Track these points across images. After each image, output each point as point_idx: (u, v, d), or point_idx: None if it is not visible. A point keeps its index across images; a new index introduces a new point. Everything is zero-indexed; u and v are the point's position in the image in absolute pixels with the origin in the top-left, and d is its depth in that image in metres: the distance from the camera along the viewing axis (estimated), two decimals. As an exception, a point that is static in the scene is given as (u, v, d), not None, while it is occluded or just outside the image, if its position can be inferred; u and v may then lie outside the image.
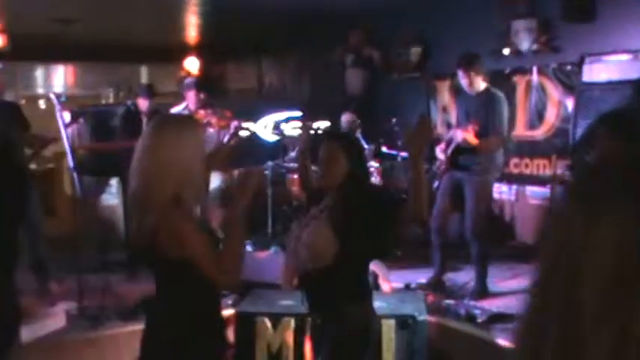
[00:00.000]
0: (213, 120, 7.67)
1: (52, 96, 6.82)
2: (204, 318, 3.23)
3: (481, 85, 6.93)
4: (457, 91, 9.12)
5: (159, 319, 3.28)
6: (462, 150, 6.93)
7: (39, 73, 14.58)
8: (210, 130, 7.91)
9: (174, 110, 7.97)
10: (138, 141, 3.20)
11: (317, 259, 3.79)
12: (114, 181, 9.14)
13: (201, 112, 7.78)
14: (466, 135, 6.74)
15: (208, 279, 3.05)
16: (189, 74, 12.88)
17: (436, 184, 7.27)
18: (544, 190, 8.54)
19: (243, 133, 8.45)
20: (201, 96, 8.00)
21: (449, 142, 7.13)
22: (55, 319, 6.37)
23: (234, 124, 7.88)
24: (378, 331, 5.15)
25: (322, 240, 3.76)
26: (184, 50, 13.27)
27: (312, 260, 3.82)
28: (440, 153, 7.24)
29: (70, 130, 7.29)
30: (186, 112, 7.90)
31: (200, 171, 3.20)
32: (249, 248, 8.34)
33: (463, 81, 6.97)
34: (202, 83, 8.27)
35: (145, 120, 8.27)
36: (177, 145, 3.08)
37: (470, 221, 7.00)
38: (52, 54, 12.62)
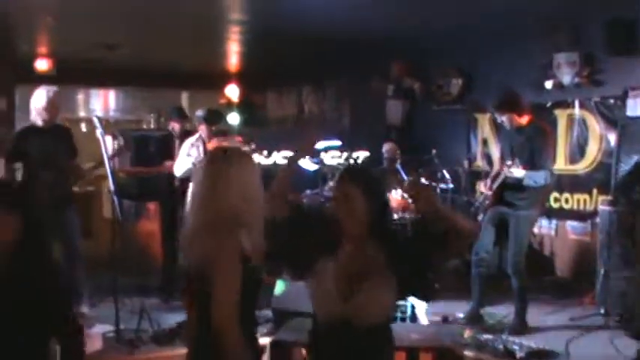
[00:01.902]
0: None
1: (95, 119, 6.87)
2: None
3: (523, 119, 6.89)
4: (499, 124, 9.10)
5: (197, 344, 3.29)
6: (507, 185, 6.87)
7: (81, 96, 14.75)
8: None
9: (188, 142, 8.01)
10: (196, 172, 3.29)
11: (370, 319, 3.46)
12: (152, 206, 9.19)
13: (214, 140, 7.84)
14: (513, 170, 6.67)
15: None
16: (229, 101, 12.99)
17: (480, 217, 7.21)
18: (584, 225, 8.44)
19: (282, 161, 8.43)
20: (213, 128, 8.06)
21: (494, 177, 7.06)
22: (92, 342, 6.36)
23: (246, 148, 7.91)
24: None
25: (380, 306, 3.46)
26: (225, 77, 13.36)
27: (363, 321, 3.44)
28: (484, 188, 7.19)
29: (111, 153, 7.34)
30: (199, 142, 7.95)
31: (261, 201, 3.34)
32: (285, 277, 8.33)
33: (502, 120, 6.95)
34: (214, 116, 8.28)
35: (177, 142, 8.32)
36: (242, 176, 3.29)
37: (512, 256, 6.94)
38: (94, 78, 12.76)
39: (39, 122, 7.14)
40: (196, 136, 8.07)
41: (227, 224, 3.20)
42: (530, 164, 6.69)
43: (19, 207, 3.39)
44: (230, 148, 3.86)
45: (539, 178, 6.75)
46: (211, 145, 7.62)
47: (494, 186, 7.00)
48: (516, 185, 6.78)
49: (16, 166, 7.23)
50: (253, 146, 7.92)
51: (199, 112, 8.16)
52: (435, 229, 3.42)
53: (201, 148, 7.88)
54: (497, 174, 7.02)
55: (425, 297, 4.02)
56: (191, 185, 7.15)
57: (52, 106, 7.13)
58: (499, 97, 7.14)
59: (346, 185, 3.47)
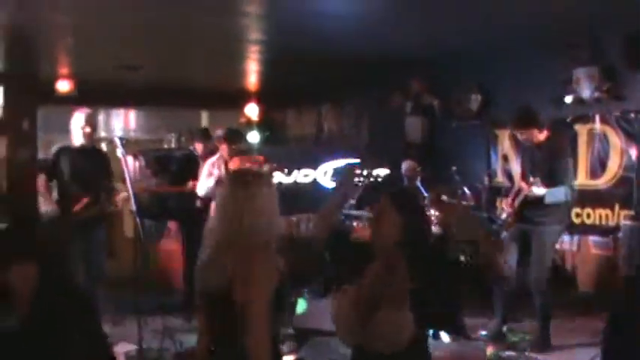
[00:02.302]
0: (247, 166, 7.75)
1: (116, 139, 6.92)
2: None
3: (542, 135, 6.89)
4: (519, 140, 9.07)
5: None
6: (529, 202, 6.85)
7: (101, 116, 14.84)
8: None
9: (209, 162, 8.05)
10: (220, 191, 3.52)
11: (386, 348, 3.49)
12: (173, 225, 9.22)
13: (235, 159, 7.85)
14: (534, 189, 6.65)
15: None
16: (249, 120, 13.03)
17: (503, 235, 7.19)
18: (606, 240, 8.39)
19: (302, 180, 8.46)
20: (233, 147, 8.09)
21: (516, 195, 7.04)
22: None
23: (266, 168, 7.93)
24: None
25: (396, 336, 3.48)
26: (245, 96, 13.42)
27: (379, 348, 3.50)
28: (505, 205, 7.17)
29: (132, 173, 7.39)
30: (220, 161, 7.98)
31: (279, 223, 3.44)
32: (306, 296, 8.33)
33: (522, 137, 6.94)
34: (234, 136, 8.32)
35: (201, 163, 8.37)
36: (266, 197, 3.38)
37: (535, 273, 6.91)
38: (115, 98, 12.86)
39: (77, 143, 7.24)
40: (217, 155, 8.11)
41: (256, 245, 3.27)
42: (550, 180, 6.67)
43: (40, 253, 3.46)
44: (250, 172, 3.93)
45: (559, 194, 6.74)
46: (233, 164, 7.65)
47: (516, 203, 6.98)
48: (538, 202, 6.76)
49: (51, 184, 7.34)
50: (274, 165, 7.93)
51: (219, 132, 8.21)
52: (454, 255, 3.45)
53: (222, 168, 7.91)
54: (519, 191, 7.00)
55: (453, 331, 4.02)
56: (212, 205, 7.20)
57: (89, 128, 7.23)
58: (517, 113, 7.15)
59: (383, 206, 3.59)
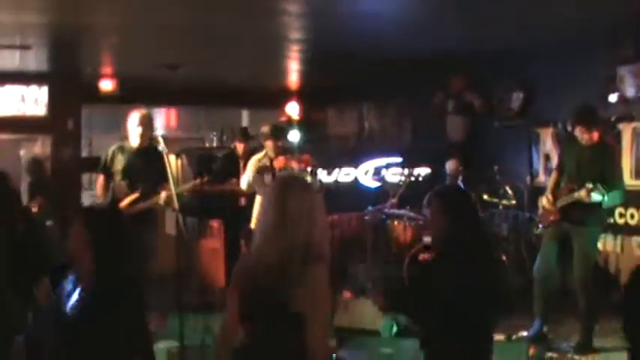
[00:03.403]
0: (293, 164, 7.73)
1: (160, 138, 6.98)
2: None
3: (596, 135, 6.81)
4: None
5: None
6: (576, 202, 6.77)
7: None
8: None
9: (255, 158, 8.05)
10: (265, 195, 3.52)
11: None
12: (215, 223, 9.28)
13: (281, 157, 7.85)
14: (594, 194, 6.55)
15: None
16: (290, 119, 13.06)
17: (539, 228, 7.12)
18: (651, 241, 8.29)
19: (343, 179, 8.44)
20: (279, 143, 8.08)
21: (564, 194, 6.95)
22: (156, 357, 6.44)
23: (312, 166, 7.91)
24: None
25: None
26: (285, 95, 13.46)
27: None
28: (547, 203, 7.09)
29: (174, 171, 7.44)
30: (266, 159, 7.96)
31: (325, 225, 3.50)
32: (347, 294, 8.34)
33: (584, 136, 6.81)
34: (279, 132, 8.33)
35: (241, 162, 8.40)
36: (305, 200, 3.38)
37: (579, 273, 6.85)
38: (157, 97, 12.97)
39: (133, 143, 7.33)
40: (262, 154, 8.12)
41: (311, 254, 3.28)
42: (600, 182, 6.57)
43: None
44: (296, 177, 3.99)
45: (617, 199, 6.69)
46: (279, 162, 7.65)
47: (564, 203, 6.87)
48: (583, 203, 6.69)
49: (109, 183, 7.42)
50: (319, 164, 7.92)
51: (265, 128, 8.20)
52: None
53: (268, 165, 7.89)
54: (569, 190, 6.85)
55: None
56: (257, 203, 7.24)
57: (144, 127, 7.30)
58: (579, 109, 7.04)
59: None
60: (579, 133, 6.85)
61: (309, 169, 7.58)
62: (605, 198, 6.66)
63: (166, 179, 7.07)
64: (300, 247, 3.25)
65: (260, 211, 3.46)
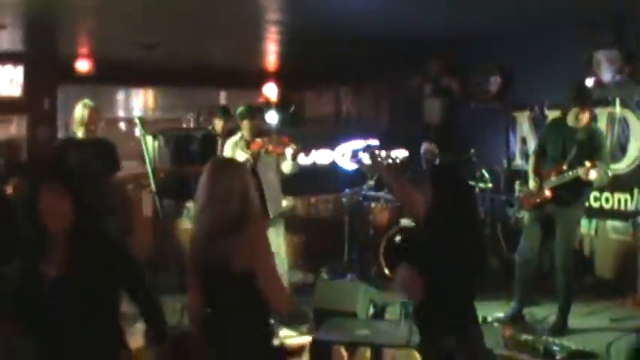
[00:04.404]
0: (270, 147, 7.69)
1: (136, 119, 6.96)
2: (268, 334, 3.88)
3: (587, 117, 6.84)
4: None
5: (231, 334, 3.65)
6: (560, 184, 6.81)
7: (120, 96, 14.89)
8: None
9: (231, 141, 7.98)
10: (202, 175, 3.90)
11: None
12: (191, 204, 9.25)
13: (258, 139, 7.78)
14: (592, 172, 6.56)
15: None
16: (267, 100, 13.02)
17: (520, 215, 7.16)
18: (625, 225, 8.36)
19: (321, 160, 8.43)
20: (255, 122, 8.02)
21: (547, 175, 6.98)
22: (134, 339, 6.43)
23: (290, 149, 7.84)
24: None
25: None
26: (263, 76, 13.42)
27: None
28: (534, 185, 7.09)
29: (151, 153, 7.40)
30: (242, 142, 7.88)
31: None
32: (325, 276, 8.36)
33: (583, 116, 6.80)
34: (255, 112, 8.29)
35: (220, 141, 8.35)
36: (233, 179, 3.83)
37: (561, 254, 6.90)
38: (133, 78, 12.88)
39: (79, 135, 7.26)
40: (238, 136, 8.06)
41: (250, 221, 3.73)
42: (592, 162, 6.57)
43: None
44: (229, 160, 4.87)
45: (606, 177, 6.72)
46: (255, 145, 7.59)
47: (555, 185, 6.88)
48: (571, 184, 6.73)
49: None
50: (299, 146, 7.86)
51: (240, 108, 8.14)
52: None
53: (245, 147, 7.82)
54: (559, 172, 6.89)
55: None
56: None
57: (90, 122, 7.23)
58: (577, 89, 7.05)
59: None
60: (575, 113, 6.80)
61: (289, 152, 7.52)
62: (610, 174, 6.71)
63: (118, 169, 7.06)
64: (231, 219, 3.68)
65: (198, 190, 3.85)
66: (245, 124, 7.88)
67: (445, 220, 3.99)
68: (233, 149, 7.86)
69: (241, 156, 7.62)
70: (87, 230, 3.84)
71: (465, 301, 4.15)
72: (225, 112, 8.61)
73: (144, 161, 6.94)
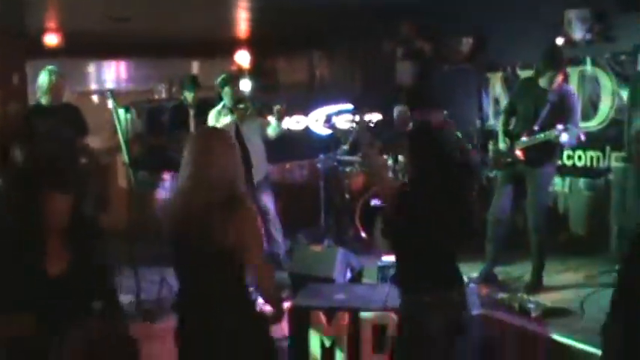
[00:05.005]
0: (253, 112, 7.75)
1: (107, 93, 6.91)
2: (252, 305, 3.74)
3: (560, 79, 6.86)
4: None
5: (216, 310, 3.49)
6: (534, 145, 6.84)
7: (91, 68, 14.75)
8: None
9: (215, 110, 8.00)
10: (188, 145, 3.74)
11: None
12: (167, 176, 9.24)
13: (240, 106, 7.81)
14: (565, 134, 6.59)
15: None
16: (240, 68, 12.96)
17: (492, 174, 7.19)
18: (598, 182, 8.44)
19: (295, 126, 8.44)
20: (237, 89, 8.04)
21: (518, 135, 7.01)
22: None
23: (276, 111, 7.90)
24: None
25: None
26: (235, 44, 13.32)
27: None
28: (502, 144, 7.11)
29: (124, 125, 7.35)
30: (225, 110, 7.92)
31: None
32: (301, 242, 8.40)
33: (558, 78, 6.82)
34: (237, 78, 8.31)
35: (191, 112, 8.34)
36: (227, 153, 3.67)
37: (533, 213, 6.97)
38: (104, 50, 12.76)
39: (44, 103, 7.20)
40: (220, 105, 8.06)
41: (238, 198, 3.57)
42: (564, 124, 6.61)
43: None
44: (218, 131, 4.37)
45: (581, 137, 6.76)
46: (238, 111, 7.66)
47: (527, 145, 6.91)
48: (542, 144, 6.77)
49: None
50: (282, 107, 7.91)
51: (221, 77, 8.14)
52: None
53: (229, 116, 7.83)
54: (530, 133, 6.89)
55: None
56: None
57: (55, 88, 7.17)
58: (549, 54, 7.06)
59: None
60: (549, 77, 6.82)
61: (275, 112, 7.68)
62: (582, 137, 6.76)
63: (86, 134, 7.02)
64: (222, 194, 3.51)
65: (184, 161, 3.67)
66: (226, 91, 7.97)
67: (427, 181, 4.04)
68: (217, 117, 7.87)
69: (226, 120, 7.66)
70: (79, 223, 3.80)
71: (447, 262, 4.22)
72: (194, 83, 8.58)
73: (117, 133, 6.89)
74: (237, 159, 3.67)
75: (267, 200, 8.01)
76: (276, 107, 7.78)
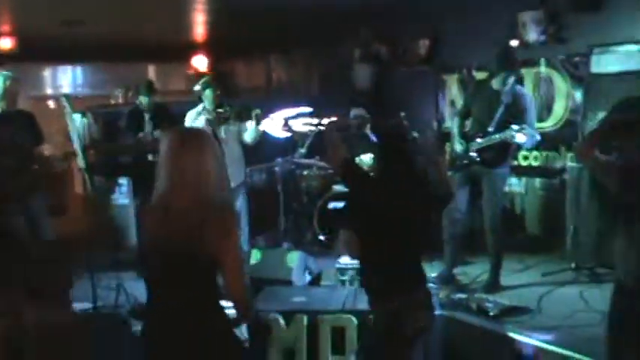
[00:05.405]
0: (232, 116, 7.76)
1: (63, 99, 6.83)
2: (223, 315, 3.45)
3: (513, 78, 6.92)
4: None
5: (184, 319, 3.37)
6: (489, 146, 6.89)
7: (47, 73, 14.61)
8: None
9: (192, 112, 7.98)
10: (162, 149, 3.45)
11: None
12: (124, 181, 9.18)
13: (220, 110, 7.82)
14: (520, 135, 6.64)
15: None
16: (197, 72, 12.90)
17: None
18: (553, 182, 8.54)
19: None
20: (218, 93, 8.03)
21: (473, 137, 7.06)
22: (69, 319, 6.39)
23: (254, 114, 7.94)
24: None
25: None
26: (192, 48, 13.27)
27: None
28: (458, 146, 7.14)
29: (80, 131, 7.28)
30: (204, 113, 7.90)
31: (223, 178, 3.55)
32: (260, 246, 8.38)
33: (509, 80, 6.86)
34: (218, 81, 8.32)
35: (146, 117, 8.30)
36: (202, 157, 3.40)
37: (489, 213, 7.01)
38: (60, 55, 12.64)
39: None
40: (200, 107, 8.04)
41: (216, 202, 3.35)
42: (519, 124, 6.66)
43: None
44: (195, 132, 4.05)
45: (537, 137, 6.82)
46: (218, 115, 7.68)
47: (477, 147, 6.95)
48: (497, 145, 6.82)
49: None
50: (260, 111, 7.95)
51: (204, 79, 8.15)
52: None
53: (208, 119, 7.80)
54: (485, 134, 6.91)
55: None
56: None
57: (9, 93, 7.02)
58: (502, 54, 7.10)
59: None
60: (502, 78, 6.84)
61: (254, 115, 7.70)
62: (538, 137, 6.82)
63: (41, 142, 6.93)
64: (202, 199, 3.31)
65: (160, 163, 3.44)
66: (207, 94, 7.96)
67: (392, 183, 4.08)
68: (195, 119, 7.84)
69: (205, 123, 7.64)
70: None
71: (413, 263, 4.24)
72: (150, 88, 8.54)
73: (72, 139, 6.82)
74: (217, 160, 3.47)
75: (242, 206, 7.98)
76: (255, 112, 7.78)
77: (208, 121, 7.69)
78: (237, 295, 3.37)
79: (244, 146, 8.12)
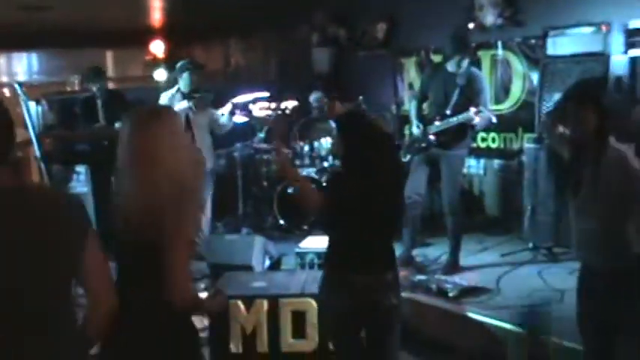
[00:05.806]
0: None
1: (16, 85, 6.75)
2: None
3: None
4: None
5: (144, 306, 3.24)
6: (446, 129, 6.92)
7: (2, 60, 14.42)
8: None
9: (166, 95, 7.94)
10: (122, 133, 3.14)
11: None
12: (82, 169, 9.08)
13: (196, 95, 7.78)
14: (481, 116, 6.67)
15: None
16: (155, 58, 12.79)
17: (407, 159, 7.24)
18: (511, 164, 8.60)
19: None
20: (195, 77, 7.98)
21: (431, 120, 7.08)
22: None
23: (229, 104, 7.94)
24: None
25: None
26: (150, 33, 13.15)
27: None
28: (416, 129, 7.16)
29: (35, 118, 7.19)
30: (178, 95, 7.86)
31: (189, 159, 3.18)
32: (220, 231, 8.36)
33: (463, 63, 6.89)
34: (196, 64, 8.26)
35: (99, 103, 8.22)
36: (180, 137, 3.17)
37: (447, 195, 7.05)
38: (15, 41, 12.46)
39: None
40: (174, 89, 7.98)
41: (184, 194, 3.04)
42: (475, 106, 6.69)
43: None
44: (156, 108, 3.85)
45: (492, 119, 6.87)
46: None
47: (435, 130, 6.97)
48: (454, 128, 6.85)
49: None
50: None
51: (181, 62, 8.10)
52: None
53: (185, 102, 7.75)
54: (442, 117, 6.93)
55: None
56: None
57: None
58: (456, 37, 7.11)
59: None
60: (456, 61, 6.86)
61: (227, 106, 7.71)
62: (494, 119, 6.89)
63: (25, 127, 6.84)
64: (166, 185, 3.00)
65: (122, 149, 3.13)
66: (185, 77, 7.93)
67: (355, 165, 4.07)
68: (170, 102, 7.76)
69: (181, 105, 7.59)
70: None
71: (384, 244, 4.24)
72: (98, 73, 8.46)
73: (27, 127, 6.73)
74: (187, 148, 3.19)
75: (207, 194, 7.93)
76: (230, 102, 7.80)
77: (190, 106, 7.66)
78: (177, 290, 3.11)
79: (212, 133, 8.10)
